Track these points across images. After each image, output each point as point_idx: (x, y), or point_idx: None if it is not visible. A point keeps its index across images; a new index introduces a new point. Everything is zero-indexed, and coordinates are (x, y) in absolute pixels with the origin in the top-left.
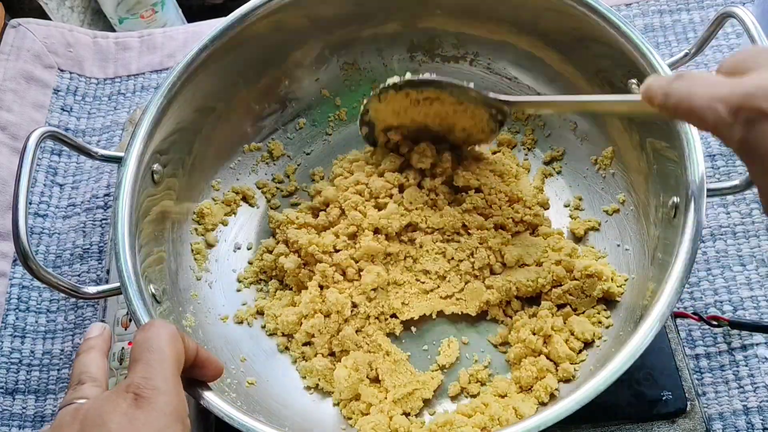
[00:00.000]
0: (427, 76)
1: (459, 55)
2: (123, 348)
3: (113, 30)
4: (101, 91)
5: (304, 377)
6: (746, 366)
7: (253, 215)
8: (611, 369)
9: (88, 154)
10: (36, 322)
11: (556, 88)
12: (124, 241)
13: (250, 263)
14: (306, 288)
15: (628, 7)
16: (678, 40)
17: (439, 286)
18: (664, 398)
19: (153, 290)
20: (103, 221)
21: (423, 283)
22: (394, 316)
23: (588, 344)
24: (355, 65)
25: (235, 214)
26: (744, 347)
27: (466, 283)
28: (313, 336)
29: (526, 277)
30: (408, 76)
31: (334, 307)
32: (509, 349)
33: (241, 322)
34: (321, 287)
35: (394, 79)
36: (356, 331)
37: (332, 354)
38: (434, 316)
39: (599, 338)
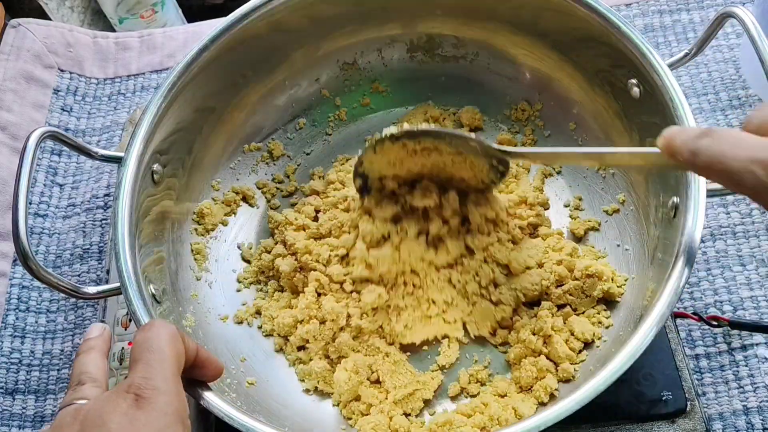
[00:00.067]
0: (425, 126)
1: (459, 55)
2: (123, 348)
3: (113, 30)
4: (101, 91)
5: (303, 380)
6: (746, 366)
7: (253, 215)
8: (611, 369)
9: (88, 154)
10: (36, 322)
11: (557, 88)
12: (124, 241)
13: (250, 263)
14: (302, 292)
15: (628, 7)
16: (678, 40)
17: (445, 311)
18: (664, 398)
19: (153, 290)
20: (103, 221)
21: (428, 308)
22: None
23: (588, 344)
24: (354, 65)
25: (235, 214)
26: (744, 347)
27: (473, 304)
28: (307, 341)
29: (530, 282)
30: (406, 126)
31: (329, 315)
32: (509, 350)
33: (240, 322)
34: (318, 294)
35: (391, 130)
36: (353, 338)
37: (328, 357)
38: (439, 339)
39: (599, 338)
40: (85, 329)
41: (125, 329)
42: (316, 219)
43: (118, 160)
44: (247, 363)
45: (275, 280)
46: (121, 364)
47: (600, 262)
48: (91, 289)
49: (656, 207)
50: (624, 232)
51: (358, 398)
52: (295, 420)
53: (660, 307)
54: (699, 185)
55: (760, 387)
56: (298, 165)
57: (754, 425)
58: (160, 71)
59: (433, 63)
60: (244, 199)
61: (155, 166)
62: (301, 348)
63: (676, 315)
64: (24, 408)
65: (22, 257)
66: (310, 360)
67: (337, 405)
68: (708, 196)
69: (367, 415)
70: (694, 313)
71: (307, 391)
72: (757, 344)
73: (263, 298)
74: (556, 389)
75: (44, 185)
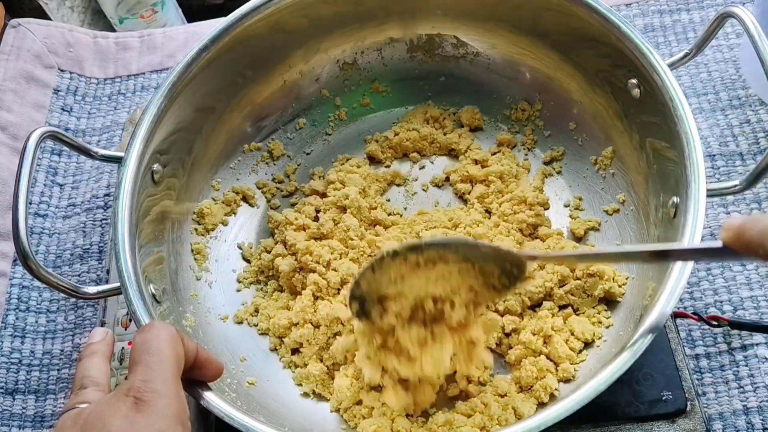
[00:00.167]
0: (429, 238)
1: (459, 55)
2: (123, 348)
3: (113, 30)
4: (101, 91)
5: (300, 384)
6: (746, 366)
7: (253, 215)
8: (611, 369)
9: (88, 154)
10: (36, 322)
11: (557, 88)
12: (124, 241)
13: (249, 262)
14: (300, 293)
15: (628, 7)
16: (678, 40)
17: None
18: (664, 398)
19: (153, 290)
20: (103, 221)
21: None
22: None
23: (588, 344)
24: (354, 65)
25: (235, 214)
26: (744, 347)
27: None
28: (301, 345)
29: (533, 285)
30: (408, 241)
31: (324, 321)
32: (509, 351)
33: (240, 322)
34: (315, 297)
35: (393, 246)
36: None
37: (323, 361)
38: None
39: (599, 338)
40: (86, 329)
41: (125, 329)
42: (316, 219)
43: (118, 160)
44: (247, 363)
45: (275, 279)
46: (121, 364)
47: None
48: (91, 289)
49: (656, 207)
50: (624, 232)
51: (359, 402)
52: (295, 420)
53: (660, 307)
54: (699, 185)
55: (760, 387)
56: (298, 165)
57: (754, 425)
58: (160, 71)
59: (433, 63)
60: (244, 199)
61: (155, 166)
62: (295, 351)
63: (676, 315)
64: (24, 408)
65: (22, 257)
66: (305, 364)
67: (336, 411)
68: (708, 196)
69: (368, 417)
70: (694, 313)
71: (305, 395)
72: (757, 344)
73: (263, 297)
74: (556, 389)
75: (44, 185)
